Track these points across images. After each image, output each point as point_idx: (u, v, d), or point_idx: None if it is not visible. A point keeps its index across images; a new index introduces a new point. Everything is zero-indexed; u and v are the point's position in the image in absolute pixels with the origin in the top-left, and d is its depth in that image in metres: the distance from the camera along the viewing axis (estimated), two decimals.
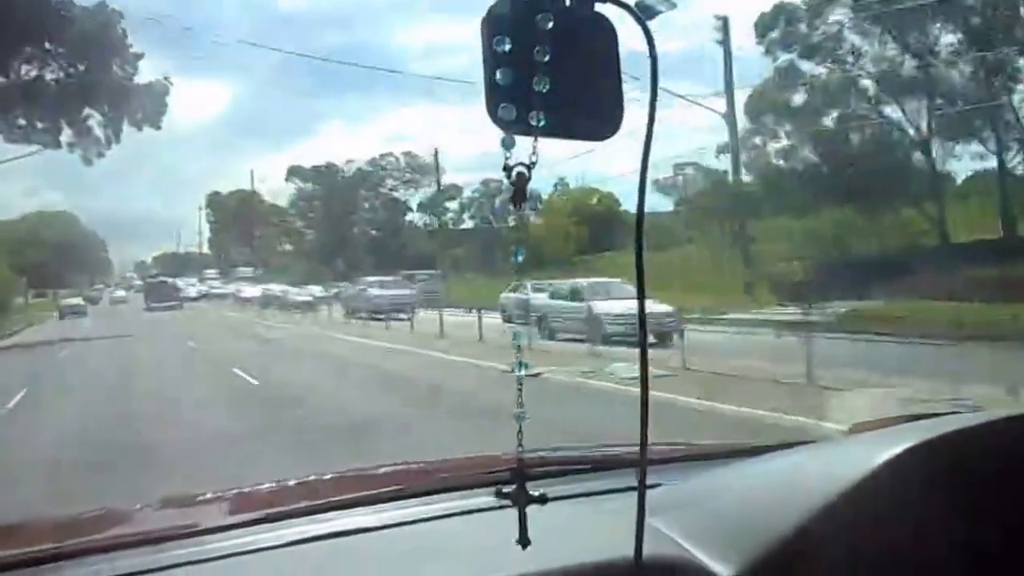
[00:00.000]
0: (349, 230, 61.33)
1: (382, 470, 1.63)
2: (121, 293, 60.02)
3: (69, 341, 24.97)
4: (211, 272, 67.42)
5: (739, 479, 1.15)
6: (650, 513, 0.87)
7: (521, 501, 0.84)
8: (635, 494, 0.85)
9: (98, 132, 33.34)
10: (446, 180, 58.23)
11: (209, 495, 1.51)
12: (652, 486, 0.90)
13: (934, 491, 0.96)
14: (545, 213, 44.87)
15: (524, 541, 0.84)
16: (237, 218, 78.73)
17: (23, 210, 63.24)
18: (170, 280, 52.10)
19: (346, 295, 34.99)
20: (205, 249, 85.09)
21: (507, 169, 0.79)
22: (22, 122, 31.77)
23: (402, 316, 26.66)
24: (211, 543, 1.18)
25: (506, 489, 0.84)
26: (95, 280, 70.20)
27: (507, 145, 0.78)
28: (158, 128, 34.30)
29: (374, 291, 32.23)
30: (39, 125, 31.96)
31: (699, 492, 1.11)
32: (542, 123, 0.76)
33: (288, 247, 69.12)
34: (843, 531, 0.94)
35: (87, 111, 33.10)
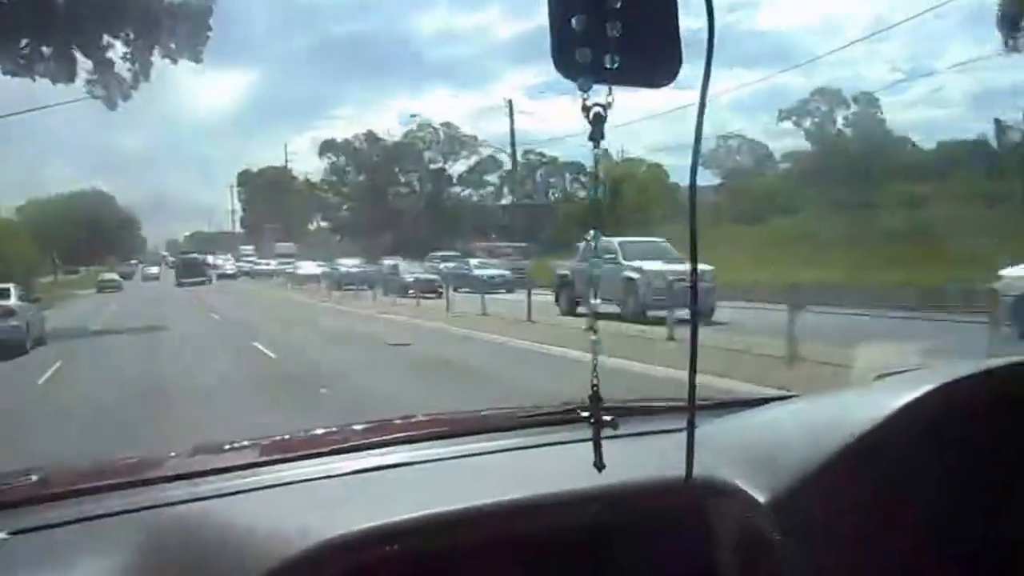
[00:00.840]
0: (392, 203, 59.49)
1: (462, 415, 1.67)
2: (154, 270, 59.11)
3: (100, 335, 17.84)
4: (247, 249, 65.77)
5: (773, 420, 1.25)
6: (697, 447, 0.96)
7: (597, 422, 0.93)
8: (684, 433, 0.95)
9: (122, 67, 25.34)
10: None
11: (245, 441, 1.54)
12: (697, 426, 0.99)
13: (953, 432, 1.02)
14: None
15: (600, 464, 0.92)
16: (269, 195, 77.65)
17: (57, 189, 62.63)
18: (200, 257, 53.40)
19: (450, 272, 30.62)
20: (237, 228, 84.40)
21: (585, 109, 0.84)
22: (25, 48, 23.95)
23: (502, 294, 25.41)
24: (299, 468, 1.24)
25: (584, 412, 0.93)
26: (129, 258, 70.50)
27: (584, 88, 0.83)
28: (198, 61, 26.03)
29: (480, 270, 30.31)
30: (45, 52, 24.02)
31: (738, 431, 1.22)
32: (616, 66, 0.81)
33: (324, 223, 67.66)
34: (867, 468, 1.00)
35: (106, 37, 24.75)
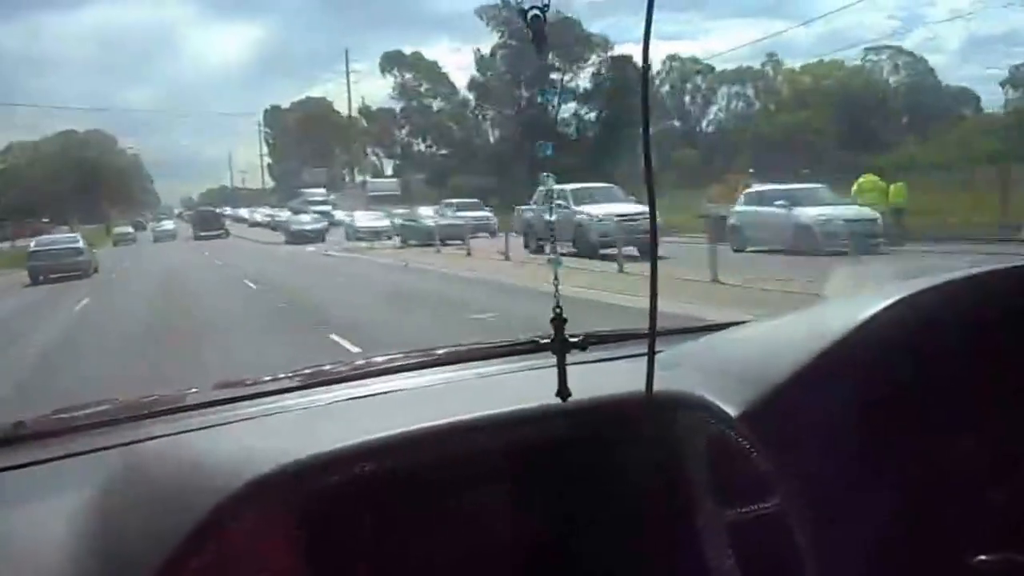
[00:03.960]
0: (485, 139, 44.76)
1: (440, 350, 1.61)
2: (168, 224, 47.23)
3: None
4: (316, 194, 47.78)
5: (739, 340, 1.24)
6: (660, 368, 0.97)
7: (560, 348, 0.95)
8: (646, 357, 0.96)
9: None
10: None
11: (266, 376, 1.51)
12: (660, 351, 1.00)
13: (919, 343, 1.03)
14: None
15: (563, 389, 0.95)
16: (307, 134, 63.16)
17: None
18: (217, 209, 50.63)
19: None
20: (267, 180, 70.37)
21: (522, 13, 0.84)
22: None
23: None
24: (275, 402, 1.28)
25: (545, 341, 0.97)
26: (140, 213, 60.38)
27: None
28: None
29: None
30: None
31: (704, 351, 1.21)
32: None
33: (390, 163, 52.83)
34: (837, 381, 1.01)
35: None
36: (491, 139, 45.06)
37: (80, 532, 0.84)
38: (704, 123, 43.13)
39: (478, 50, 46.00)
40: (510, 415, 0.98)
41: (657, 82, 41.56)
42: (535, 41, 0.84)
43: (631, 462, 0.99)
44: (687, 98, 43.31)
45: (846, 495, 0.96)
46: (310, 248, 29.16)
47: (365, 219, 32.42)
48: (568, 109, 40.33)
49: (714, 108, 43.42)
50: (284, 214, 42.01)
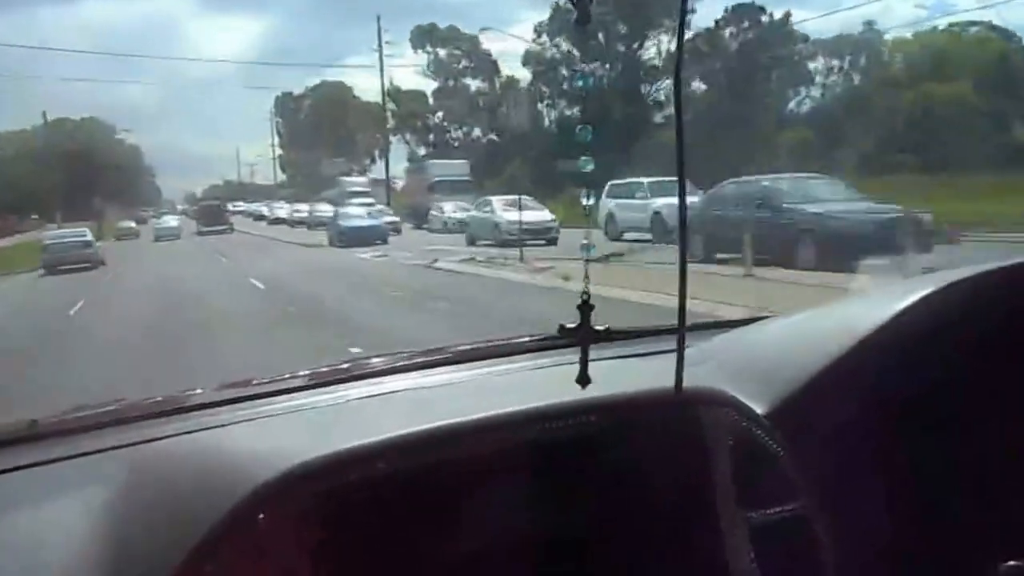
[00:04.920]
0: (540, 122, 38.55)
1: (458, 347, 1.58)
2: (172, 221, 40.93)
3: None
4: (357, 183, 41.16)
5: (766, 335, 1.23)
6: (686, 364, 0.94)
7: (585, 338, 0.92)
8: (675, 353, 0.93)
9: None
10: None
11: (274, 375, 1.47)
12: (689, 345, 0.99)
13: (951, 337, 1.00)
14: None
15: (584, 379, 0.91)
16: (325, 120, 57.26)
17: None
18: (221, 203, 46.53)
19: None
20: (279, 174, 64.49)
21: None
22: None
23: None
24: (284, 402, 1.25)
25: (570, 326, 0.92)
26: (141, 207, 55.21)
27: None
28: None
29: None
30: None
31: (731, 347, 1.19)
32: None
33: (421, 149, 46.55)
34: (862, 377, 0.99)
35: None
36: (547, 122, 38.91)
37: (94, 533, 0.83)
38: (810, 97, 36.86)
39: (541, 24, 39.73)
40: (530, 412, 0.94)
41: (740, 47, 35.59)
42: (580, 18, 0.81)
43: (656, 460, 0.96)
44: (776, 72, 37.23)
45: (871, 497, 0.95)
46: (373, 255, 20.33)
47: (452, 212, 26.24)
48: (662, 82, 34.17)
49: (819, 80, 37.26)
50: (322, 207, 34.72)
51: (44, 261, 22.06)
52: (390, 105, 46.28)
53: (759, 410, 0.97)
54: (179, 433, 1.10)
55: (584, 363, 0.90)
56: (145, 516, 0.84)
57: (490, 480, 0.91)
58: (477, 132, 44.09)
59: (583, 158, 0.89)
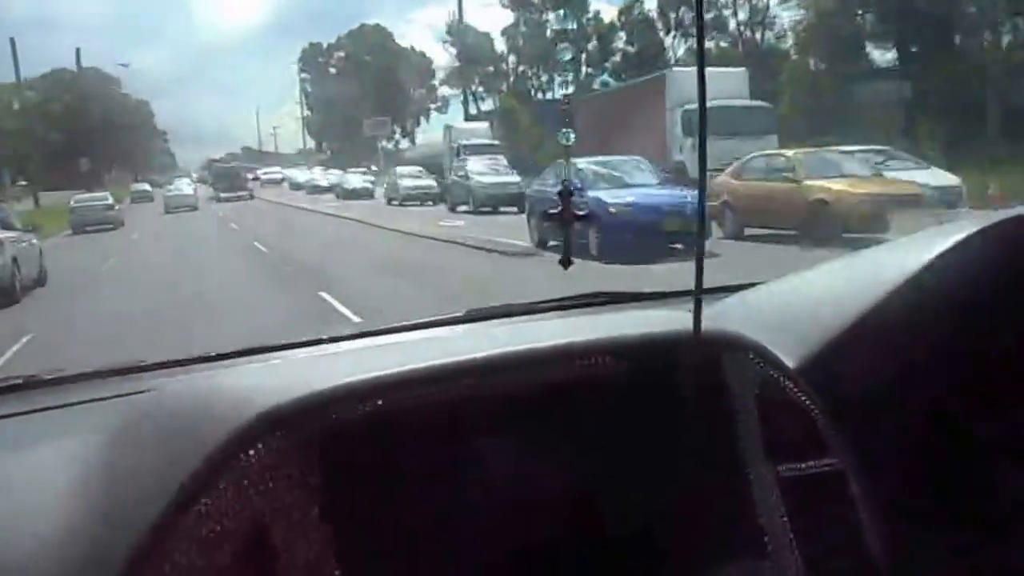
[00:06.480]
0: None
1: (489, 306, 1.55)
2: (186, 188, 33.76)
3: None
4: (478, 131, 29.74)
5: (789, 290, 1.19)
6: (705, 320, 0.90)
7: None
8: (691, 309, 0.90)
9: None
10: None
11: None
12: (710, 304, 0.96)
13: (979, 285, 0.98)
14: None
15: (567, 262, 0.95)
16: (364, 73, 49.26)
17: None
18: (238, 166, 42.92)
19: None
20: (307, 141, 56.91)
21: None
22: None
23: None
24: (288, 355, 1.28)
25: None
26: (154, 173, 49.40)
27: None
28: None
29: None
30: None
31: (751, 302, 1.16)
32: None
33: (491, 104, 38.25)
34: (891, 329, 0.97)
35: None
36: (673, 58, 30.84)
37: (86, 474, 0.82)
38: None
39: None
40: (545, 350, 0.90)
41: None
42: None
43: (676, 407, 0.91)
44: None
45: (902, 455, 0.93)
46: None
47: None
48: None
49: None
50: (399, 173, 27.14)
51: (72, 222, 23.50)
52: (449, 48, 38.28)
53: (791, 363, 0.94)
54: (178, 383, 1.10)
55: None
56: (140, 452, 0.82)
57: (500, 423, 0.87)
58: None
59: (562, 130, 0.90)
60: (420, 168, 26.97)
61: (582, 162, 11.08)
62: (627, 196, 10.76)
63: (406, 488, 0.83)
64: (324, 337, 1.35)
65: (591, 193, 10.12)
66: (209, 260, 14.55)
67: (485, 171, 19.98)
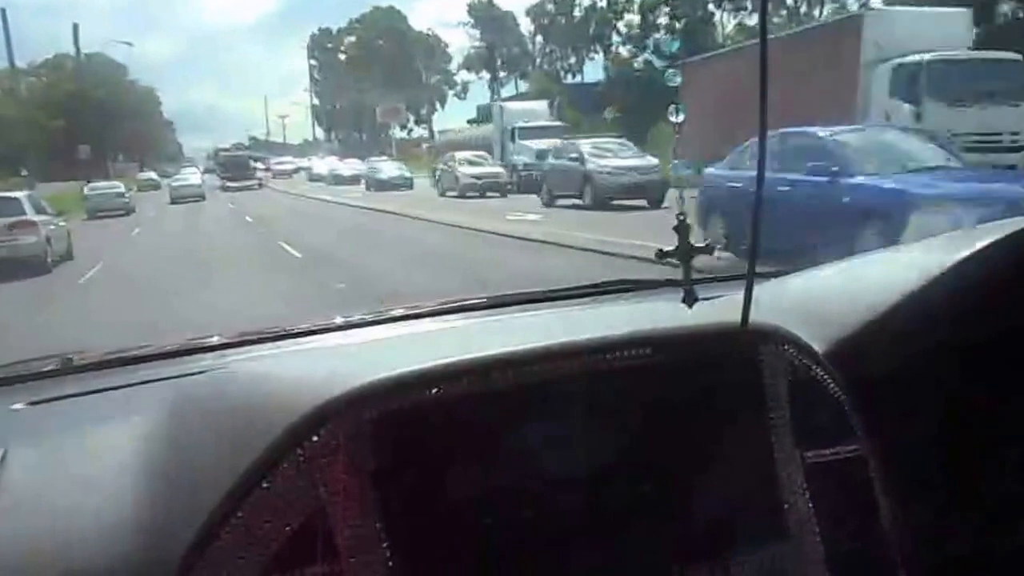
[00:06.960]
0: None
1: (529, 290, 1.63)
2: (192, 177, 33.10)
3: None
4: (537, 112, 27.12)
5: (829, 279, 1.22)
6: (755, 304, 0.95)
7: (687, 253, 0.96)
8: (741, 295, 0.94)
9: None
10: None
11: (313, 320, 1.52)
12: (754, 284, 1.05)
13: (1015, 284, 1.00)
14: None
15: (690, 297, 0.96)
16: (376, 57, 47.52)
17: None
18: (247, 155, 42.42)
19: None
20: (317, 132, 55.27)
21: None
22: None
23: None
24: (312, 341, 1.31)
25: (668, 249, 0.95)
26: (161, 161, 48.30)
27: None
28: None
29: None
30: None
31: (794, 289, 1.19)
32: None
33: (511, 87, 36.61)
34: (926, 321, 0.98)
35: None
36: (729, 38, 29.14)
37: (145, 456, 0.84)
38: None
39: None
40: (587, 343, 0.93)
41: None
42: None
43: (712, 395, 0.97)
44: None
45: (930, 444, 0.95)
46: None
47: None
48: None
49: None
50: (457, 159, 23.42)
51: (87, 208, 24.61)
52: (470, 30, 36.62)
53: (820, 351, 0.96)
54: (219, 368, 1.12)
55: (688, 276, 0.95)
56: (193, 439, 0.84)
57: (546, 411, 0.91)
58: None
59: (669, 71, 0.86)
60: (482, 153, 24.38)
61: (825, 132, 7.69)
62: (943, 185, 6.68)
63: (452, 472, 0.86)
64: (355, 320, 1.41)
65: (874, 182, 6.82)
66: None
67: (604, 155, 16.36)
